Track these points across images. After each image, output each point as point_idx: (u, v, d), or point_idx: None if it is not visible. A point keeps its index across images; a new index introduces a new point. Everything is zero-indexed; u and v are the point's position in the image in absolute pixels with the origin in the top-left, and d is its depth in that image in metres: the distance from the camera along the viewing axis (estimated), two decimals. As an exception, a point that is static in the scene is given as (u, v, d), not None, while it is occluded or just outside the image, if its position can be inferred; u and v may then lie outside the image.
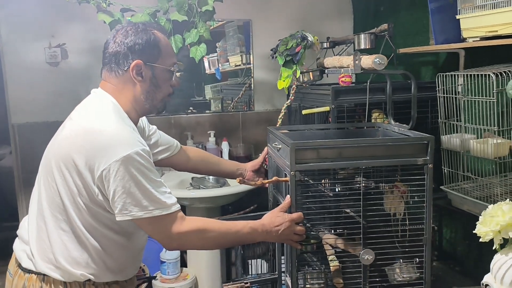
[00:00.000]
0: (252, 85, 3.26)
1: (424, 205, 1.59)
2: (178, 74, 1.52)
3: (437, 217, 2.48)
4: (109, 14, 2.03)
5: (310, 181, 1.54)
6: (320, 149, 1.49)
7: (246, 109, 3.27)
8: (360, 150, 1.50)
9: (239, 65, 3.28)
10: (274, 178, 1.52)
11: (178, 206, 1.44)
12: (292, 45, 1.76)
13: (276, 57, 1.82)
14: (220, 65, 3.26)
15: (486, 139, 1.92)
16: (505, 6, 1.72)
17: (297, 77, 1.79)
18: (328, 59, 1.77)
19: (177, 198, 2.78)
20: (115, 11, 2.10)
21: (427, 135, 1.56)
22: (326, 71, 1.79)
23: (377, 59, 1.40)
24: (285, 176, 1.55)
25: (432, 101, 2.41)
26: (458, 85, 2.01)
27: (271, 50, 1.88)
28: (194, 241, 1.47)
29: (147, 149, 1.39)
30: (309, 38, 1.79)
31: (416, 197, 1.61)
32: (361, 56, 1.48)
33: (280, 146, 1.64)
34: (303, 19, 3.24)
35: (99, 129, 1.36)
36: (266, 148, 1.89)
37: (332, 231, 1.58)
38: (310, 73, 1.81)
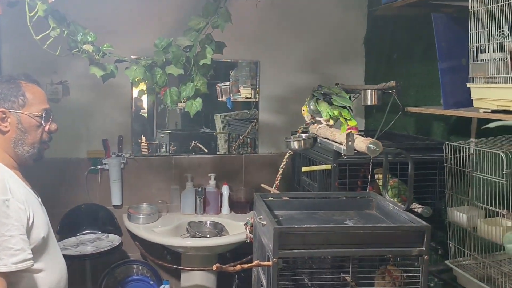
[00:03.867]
0: (257, 127, 3.16)
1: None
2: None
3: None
4: (101, 67, 1.96)
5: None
6: (306, 234, 1.37)
7: (251, 148, 3.17)
8: (349, 236, 1.39)
9: (250, 98, 3.20)
10: (256, 262, 1.41)
11: (11, 267, 1.41)
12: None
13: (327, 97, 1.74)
14: (231, 94, 3.18)
15: (494, 219, 1.77)
16: (519, 82, 1.59)
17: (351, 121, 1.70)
18: (321, 127, 1.66)
19: (172, 246, 2.76)
20: (109, 63, 2.03)
21: (424, 223, 1.43)
22: (318, 139, 1.68)
23: (372, 145, 1.28)
24: (268, 258, 1.44)
25: (441, 163, 2.27)
26: (469, 154, 1.88)
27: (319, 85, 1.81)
28: None
29: (4, 198, 1.42)
30: None
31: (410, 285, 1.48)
32: (355, 137, 1.36)
33: (264, 223, 1.53)
34: (312, 61, 3.15)
35: None
36: None
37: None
38: (302, 141, 1.70)
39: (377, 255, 1.42)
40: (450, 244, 1.96)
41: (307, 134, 1.75)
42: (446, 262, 1.96)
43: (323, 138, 1.63)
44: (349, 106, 1.70)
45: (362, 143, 1.30)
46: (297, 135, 1.77)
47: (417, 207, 2.21)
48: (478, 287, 1.76)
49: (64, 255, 1.72)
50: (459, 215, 1.87)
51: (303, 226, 1.37)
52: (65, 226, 2.82)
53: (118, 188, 2.92)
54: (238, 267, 1.39)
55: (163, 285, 2.85)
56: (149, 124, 3.06)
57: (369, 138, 1.33)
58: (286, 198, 1.82)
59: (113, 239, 2.75)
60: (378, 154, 1.30)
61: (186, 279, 2.84)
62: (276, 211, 1.75)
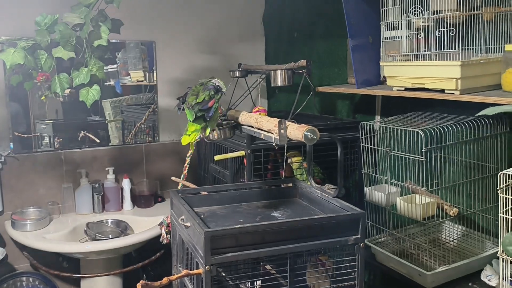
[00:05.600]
0: (157, 113, 2.92)
1: (355, 282, 1.41)
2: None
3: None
4: (-33, 51, 1.59)
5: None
6: (240, 235, 1.24)
7: (150, 136, 2.93)
8: (285, 232, 1.28)
9: (142, 81, 2.95)
10: (184, 271, 1.24)
11: None
12: (204, 98, 1.48)
13: (183, 109, 1.53)
14: (120, 78, 2.89)
15: (413, 196, 1.80)
16: (435, 60, 1.60)
17: (206, 135, 1.52)
18: (243, 114, 1.52)
19: (70, 253, 2.45)
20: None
21: (358, 210, 1.38)
22: (240, 127, 1.54)
23: (309, 133, 1.17)
24: (196, 265, 1.28)
25: (351, 142, 2.28)
26: (374, 134, 1.89)
27: (178, 99, 1.59)
28: None
29: None
30: (223, 89, 1.52)
31: (344, 274, 1.43)
32: (287, 124, 1.24)
33: (188, 224, 1.37)
34: (212, 41, 2.98)
35: None
36: None
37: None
38: (226, 129, 1.54)
39: (315, 249, 1.33)
40: (368, 223, 1.97)
41: (226, 122, 1.60)
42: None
43: (245, 126, 1.49)
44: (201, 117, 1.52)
45: (297, 131, 1.18)
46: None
47: (330, 188, 2.19)
48: (396, 262, 1.78)
49: None
50: (377, 194, 1.88)
51: (237, 226, 1.23)
52: None
53: (-3, 192, 2.51)
54: (165, 280, 1.22)
55: (60, 296, 2.54)
56: (26, 115, 2.66)
57: (303, 125, 1.22)
58: (205, 193, 1.66)
59: (-5, 253, 2.36)
60: (315, 142, 1.20)
61: (88, 287, 2.55)
62: (196, 207, 1.59)
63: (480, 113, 0.99)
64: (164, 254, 2.56)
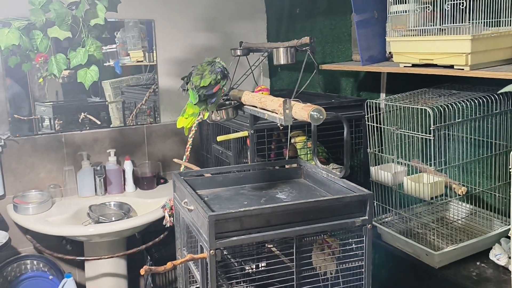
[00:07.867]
0: (158, 94, 2.87)
1: (363, 264, 1.38)
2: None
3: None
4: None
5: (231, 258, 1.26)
6: (245, 218, 1.21)
7: (151, 117, 2.89)
8: (291, 215, 1.25)
9: (142, 61, 2.89)
10: (188, 256, 1.21)
11: None
12: (210, 82, 1.42)
13: (187, 90, 1.48)
14: (119, 58, 2.84)
15: (420, 175, 1.77)
16: (444, 34, 1.54)
17: (204, 118, 1.48)
18: (246, 94, 1.47)
19: (73, 236, 2.44)
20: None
21: (365, 190, 1.34)
22: (243, 108, 1.49)
23: (316, 113, 1.13)
24: (201, 249, 1.26)
25: (356, 120, 2.24)
26: (380, 112, 1.84)
27: (182, 79, 1.54)
28: None
29: None
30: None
31: (351, 255, 1.40)
32: (292, 103, 1.20)
33: (192, 208, 1.34)
34: (212, 19, 2.91)
35: None
36: None
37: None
38: (229, 110, 1.49)
39: (321, 231, 1.30)
40: (374, 203, 1.94)
41: (229, 102, 1.55)
42: (371, 221, 1.93)
43: (249, 106, 1.44)
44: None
45: (303, 111, 1.14)
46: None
47: (335, 167, 2.16)
48: (402, 241, 1.76)
49: None
50: (383, 174, 1.84)
51: (242, 209, 1.20)
52: None
53: (-2, 176, 2.49)
54: (169, 265, 1.19)
55: (65, 279, 2.53)
56: (26, 97, 2.62)
57: (309, 104, 1.17)
58: (208, 175, 1.63)
59: (-2, 236, 2.35)
60: (321, 122, 1.16)
61: (92, 269, 2.55)
62: (199, 190, 1.56)
63: (504, 90, 0.94)
64: (168, 236, 2.54)
